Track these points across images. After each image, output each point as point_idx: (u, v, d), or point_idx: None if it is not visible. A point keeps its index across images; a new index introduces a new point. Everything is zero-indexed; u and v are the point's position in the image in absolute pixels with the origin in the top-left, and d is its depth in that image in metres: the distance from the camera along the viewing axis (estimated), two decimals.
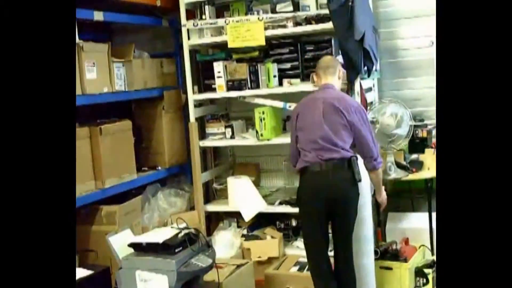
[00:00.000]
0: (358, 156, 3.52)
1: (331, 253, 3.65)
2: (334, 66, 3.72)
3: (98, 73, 4.14)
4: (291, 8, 4.41)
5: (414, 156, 4.47)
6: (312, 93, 3.78)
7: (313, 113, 3.52)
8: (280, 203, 4.67)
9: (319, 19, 4.31)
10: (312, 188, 3.49)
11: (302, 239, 3.74)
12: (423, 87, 4.62)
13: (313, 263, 3.61)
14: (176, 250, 3.18)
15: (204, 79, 4.94)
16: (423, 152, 4.41)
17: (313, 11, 4.35)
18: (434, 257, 4.26)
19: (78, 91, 3.94)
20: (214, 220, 5.09)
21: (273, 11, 4.52)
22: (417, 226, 4.42)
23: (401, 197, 4.69)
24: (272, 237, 4.56)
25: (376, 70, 4.40)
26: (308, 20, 4.36)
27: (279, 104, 4.49)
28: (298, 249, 4.54)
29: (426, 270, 4.11)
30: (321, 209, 3.46)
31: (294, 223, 4.77)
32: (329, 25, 4.15)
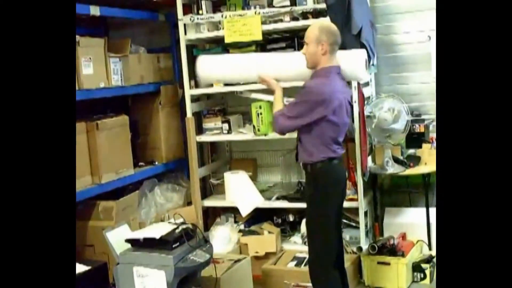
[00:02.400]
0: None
1: None
2: None
3: (94, 68, 4.13)
4: (288, 3, 4.39)
5: (411, 151, 4.48)
6: (327, 74, 3.36)
7: (344, 113, 3.37)
8: (277, 198, 4.67)
9: (316, 13, 4.30)
10: (339, 180, 3.47)
11: (322, 229, 3.40)
12: (420, 82, 4.61)
13: (331, 254, 3.42)
14: (174, 246, 3.18)
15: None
16: (420, 147, 4.41)
17: (310, 5, 4.33)
18: (432, 252, 4.27)
19: None
20: (211, 215, 5.09)
21: (270, 5, 4.50)
22: (415, 221, 4.42)
23: (399, 192, 4.70)
24: (269, 232, 4.56)
25: (373, 64, 4.39)
26: (305, 15, 4.35)
27: None
28: (295, 244, 4.55)
29: (423, 265, 4.12)
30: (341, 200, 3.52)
31: (291, 218, 4.78)
32: (326, 19, 4.13)
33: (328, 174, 3.38)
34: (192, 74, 4.86)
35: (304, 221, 4.54)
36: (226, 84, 4.61)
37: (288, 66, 3.64)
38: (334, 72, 3.37)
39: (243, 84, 4.46)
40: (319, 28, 3.35)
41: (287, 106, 3.42)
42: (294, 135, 4.24)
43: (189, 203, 4.88)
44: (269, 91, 4.42)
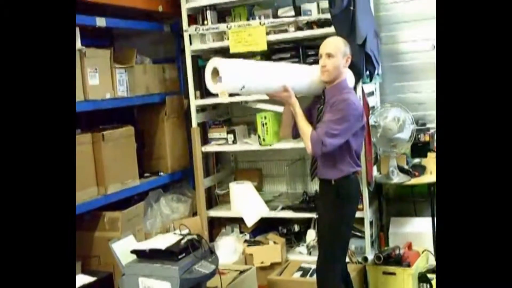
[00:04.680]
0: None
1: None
2: None
3: (100, 79, 4.15)
4: (292, 13, 4.41)
5: (416, 160, 4.47)
6: (350, 88, 3.49)
7: None
8: (283, 208, 4.67)
9: (321, 23, 4.32)
10: (358, 194, 3.63)
11: (341, 237, 3.45)
12: (425, 91, 4.61)
13: (342, 264, 3.54)
14: (179, 257, 3.17)
15: (206, 84, 4.93)
16: (425, 156, 4.40)
17: (314, 15, 4.36)
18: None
19: (81, 97, 3.96)
20: (216, 226, 5.09)
21: (275, 15, 4.53)
22: (420, 231, 4.41)
23: (404, 202, 4.69)
24: (274, 242, 4.55)
25: (378, 74, 4.40)
26: (309, 25, 4.37)
27: (281, 109, 4.48)
28: (300, 255, 4.54)
29: (429, 275, 4.09)
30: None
31: (296, 228, 4.77)
32: (330, 29, 4.14)
33: (354, 187, 3.45)
34: (198, 85, 4.88)
35: (310, 231, 4.55)
36: (231, 95, 4.61)
37: (305, 78, 3.51)
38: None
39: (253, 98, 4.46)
40: (343, 41, 3.44)
41: (325, 123, 3.26)
42: (300, 145, 4.26)
43: (194, 213, 4.89)
44: (275, 102, 4.46)
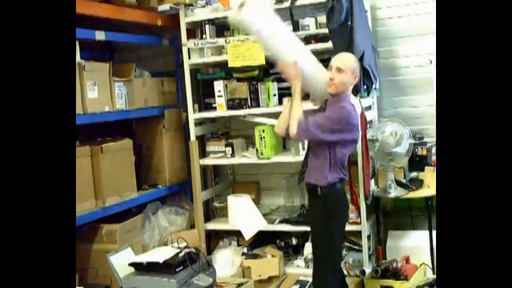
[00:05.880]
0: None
1: None
2: None
3: (99, 92, 4.17)
4: (290, 28, 4.43)
5: (414, 174, 4.48)
6: (350, 102, 3.49)
7: None
8: (280, 222, 4.68)
9: (319, 38, 4.34)
10: (347, 202, 3.64)
11: (334, 246, 3.49)
12: (422, 105, 4.63)
13: (338, 271, 3.57)
14: (177, 270, 3.19)
15: (204, 98, 4.97)
16: (422, 170, 4.42)
17: (312, 30, 4.38)
18: (435, 276, 4.25)
19: (80, 110, 3.97)
20: (214, 239, 5.08)
21: None
22: (418, 244, 4.41)
23: (401, 215, 4.70)
24: (272, 255, 4.55)
25: (375, 88, 4.43)
26: (307, 39, 4.39)
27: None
28: (298, 268, 4.54)
29: None
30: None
31: (294, 241, 4.77)
32: (328, 44, 4.18)
33: (340, 196, 3.48)
34: (196, 98, 4.91)
35: (307, 245, 4.55)
36: (229, 108, 4.64)
37: (317, 75, 3.52)
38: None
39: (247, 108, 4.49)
40: (354, 59, 3.50)
41: (319, 116, 3.37)
42: (298, 158, 4.29)
43: (192, 226, 4.89)
44: (272, 115, 4.49)
